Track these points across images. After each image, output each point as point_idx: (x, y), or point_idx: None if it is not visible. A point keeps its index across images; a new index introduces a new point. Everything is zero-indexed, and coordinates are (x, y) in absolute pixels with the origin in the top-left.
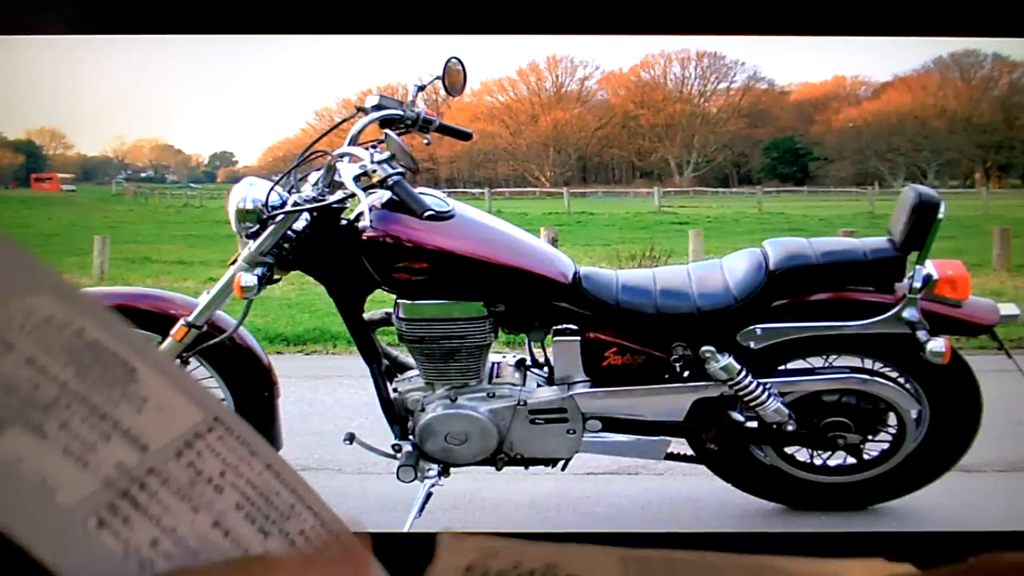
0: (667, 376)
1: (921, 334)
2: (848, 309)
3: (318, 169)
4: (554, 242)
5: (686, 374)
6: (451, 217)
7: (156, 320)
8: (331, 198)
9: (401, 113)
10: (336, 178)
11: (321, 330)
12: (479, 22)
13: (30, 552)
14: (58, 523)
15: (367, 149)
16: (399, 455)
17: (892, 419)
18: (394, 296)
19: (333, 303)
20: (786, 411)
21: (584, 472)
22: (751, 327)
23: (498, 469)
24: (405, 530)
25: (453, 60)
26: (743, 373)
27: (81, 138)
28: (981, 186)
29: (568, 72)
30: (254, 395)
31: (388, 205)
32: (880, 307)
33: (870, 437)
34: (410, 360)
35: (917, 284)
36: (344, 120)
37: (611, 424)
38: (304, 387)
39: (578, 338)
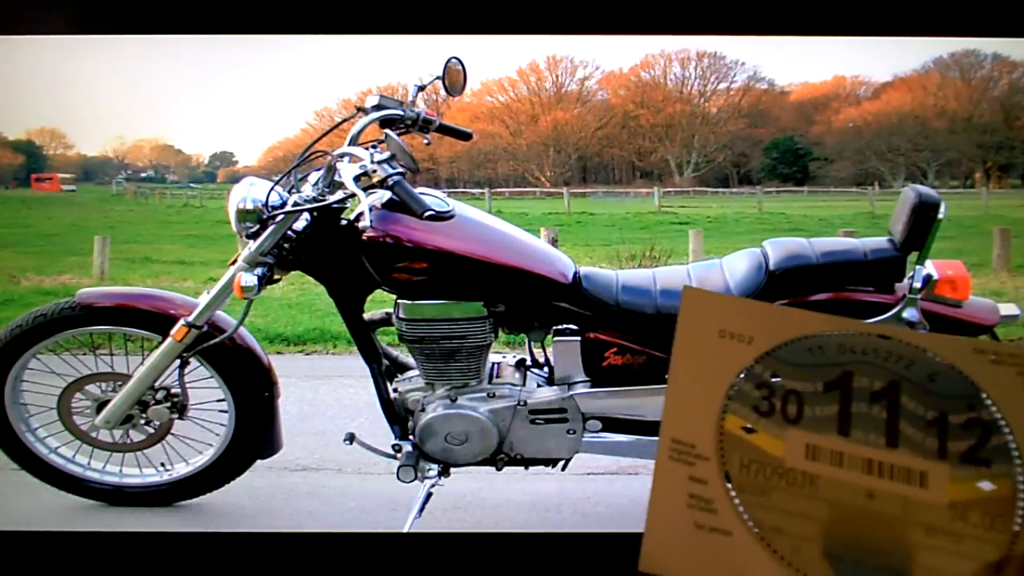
0: (667, 376)
1: None
2: (848, 309)
3: (318, 169)
4: (554, 242)
5: None
6: (451, 217)
7: (156, 320)
8: (331, 198)
9: (401, 113)
10: (336, 178)
11: (321, 330)
12: (479, 22)
13: None
14: None
15: (367, 149)
16: (399, 455)
17: None
18: (394, 296)
19: (333, 303)
20: None
21: (584, 472)
22: None
23: (498, 469)
24: (405, 530)
25: (453, 60)
26: None
27: (81, 138)
28: (981, 186)
29: (568, 72)
30: (254, 395)
31: (388, 205)
32: (880, 307)
33: None
34: (410, 360)
35: (917, 284)
36: (344, 120)
37: (611, 424)
38: (304, 387)
39: (578, 338)
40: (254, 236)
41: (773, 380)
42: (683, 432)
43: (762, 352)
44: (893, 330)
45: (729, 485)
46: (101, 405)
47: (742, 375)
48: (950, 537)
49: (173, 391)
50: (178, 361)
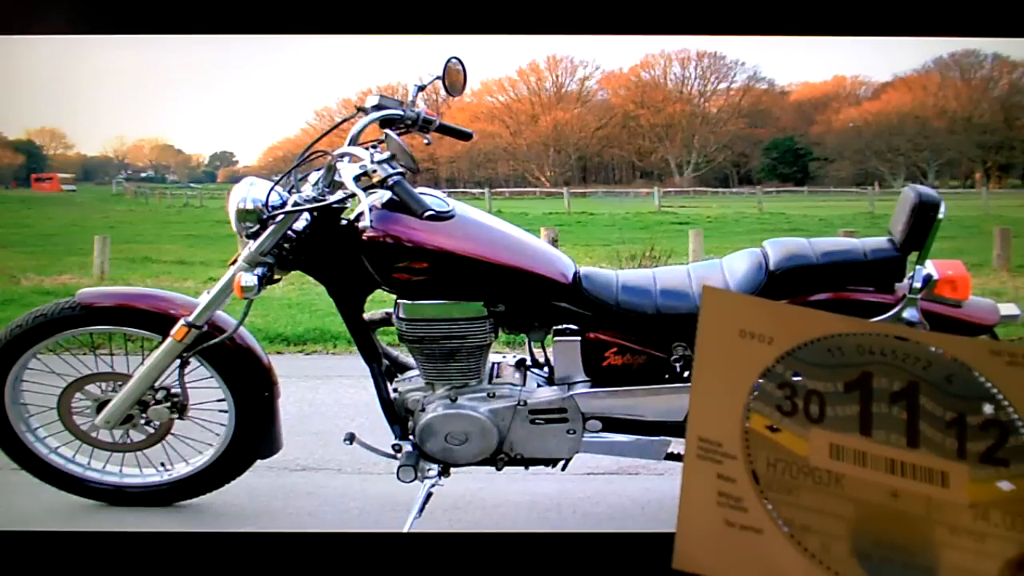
0: (667, 376)
1: None
2: (848, 309)
3: (318, 169)
4: (554, 242)
5: (686, 374)
6: (451, 217)
7: (156, 320)
8: (331, 198)
9: (401, 113)
10: (336, 178)
11: (321, 330)
12: (479, 22)
13: None
14: None
15: (367, 149)
16: (399, 455)
17: None
18: (394, 296)
19: (333, 303)
20: None
21: (584, 472)
22: None
23: (498, 469)
24: (405, 530)
25: (453, 60)
26: None
27: (81, 138)
28: (981, 186)
29: (568, 72)
30: (254, 395)
31: (388, 205)
32: (880, 307)
33: None
34: (410, 360)
35: (917, 284)
36: (344, 120)
37: (611, 424)
38: (304, 387)
39: (578, 338)
40: (254, 236)
41: (795, 380)
42: (709, 431)
43: (782, 352)
44: (910, 331)
45: (758, 483)
46: (101, 405)
47: (764, 375)
48: (973, 536)
49: (173, 391)
50: (178, 361)
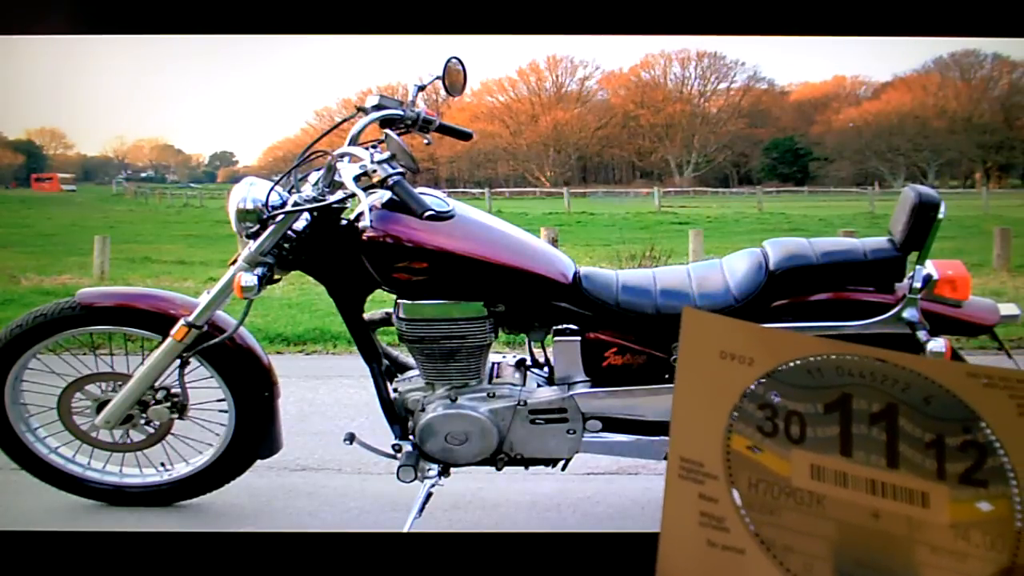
0: (667, 376)
1: (921, 334)
2: (848, 309)
3: (318, 169)
4: (554, 242)
5: None
6: (451, 217)
7: (156, 320)
8: (331, 198)
9: (401, 113)
10: (336, 178)
11: (321, 330)
12: (479, 22)
13: None
14: None
15: (367, 149)
16: (399, 455)
17: None
18: (394, 296)
19: (333, 303)
20: None
21: (584, 472)
22: None
23: (498, 469)
24: (405, 530)
25: (453, 60)
26: None
27: (81, 138)
28: (981, 186)
29: (568, 72)
30: (254, 395)
31: (388, 205)
32: (880, 307)
33: None
34: (410, 360)
35: (917, 284)
36: (344, 120)
37: (611, 424)
38: (304, 387)
39: (578, 338)
40: (254, 236)
41: (775, 400)
42: (691, 451)
43: (763, 373)
44: (888, 354)
45: (739, 504)
46: (101, 405)
47: (745, 396)
48: (954, 556)
49: (173, 391)
50: (178, 361)
